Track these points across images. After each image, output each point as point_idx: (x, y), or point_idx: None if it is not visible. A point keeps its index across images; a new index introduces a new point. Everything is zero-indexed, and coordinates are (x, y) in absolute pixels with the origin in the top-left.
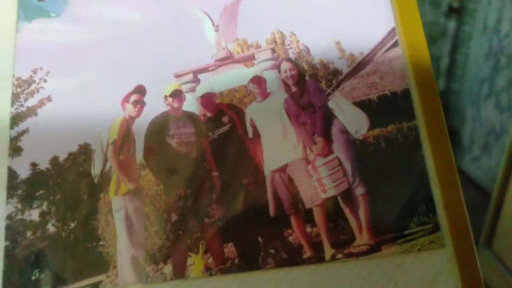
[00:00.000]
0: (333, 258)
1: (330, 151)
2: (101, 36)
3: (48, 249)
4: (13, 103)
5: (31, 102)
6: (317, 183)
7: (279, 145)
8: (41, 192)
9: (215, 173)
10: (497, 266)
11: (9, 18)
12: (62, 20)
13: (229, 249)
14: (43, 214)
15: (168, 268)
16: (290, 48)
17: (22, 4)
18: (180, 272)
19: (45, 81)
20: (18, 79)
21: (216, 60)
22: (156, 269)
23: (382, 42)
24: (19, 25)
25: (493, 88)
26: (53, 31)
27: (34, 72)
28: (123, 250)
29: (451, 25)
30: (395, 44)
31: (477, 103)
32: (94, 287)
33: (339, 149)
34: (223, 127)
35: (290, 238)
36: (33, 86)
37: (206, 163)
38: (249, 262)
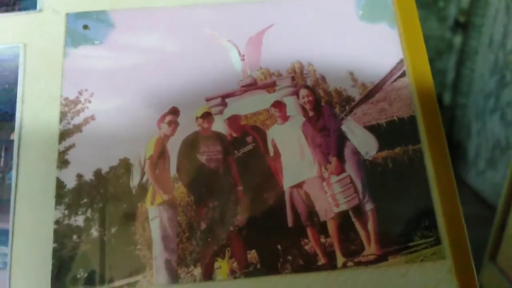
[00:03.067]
0: (344, 266)
1: (343, 170)
2: (139, 62)
3: (91, 251)
4: (61, 120)
5: (77, 120)
6: (331, 199)
7: (297, 163)
8: (85, 200)
9: (240, 187)
10: (502, 280)
11: (57, 44)
12: (105, 47)
13: (252, 255)
14: (87, 220)
15: (197, 271)
16: (308, 76)
17: (70, 32)
18: (208, 275)
19: (90, 101)
20: (65, 99)
21: (242, 86)
22: (187, 271)
23: (391, 73)
24: (66, 50)
25: (498, 102)
26: (96, 57)
27: (80, 93)
28: (158, 254)
29: (458, 39)
30: (403, 74)
31: (483, 117)
32: (132, 285)
33: (351, 168)
34: (247, 146)
35: (306, 247)
36: (79, 106)
37: (232, 178)
38: (269, 267)
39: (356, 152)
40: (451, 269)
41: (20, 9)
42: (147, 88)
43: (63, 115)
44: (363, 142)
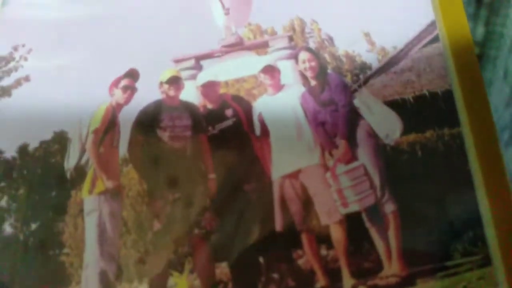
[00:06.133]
0: None
1: (354, 157)
2: (95, 14)
3: (0, 253)
4: None
5: (6, 82)
6: (337, 195)
7: (292, 146)
8: (2, 184)
9: (212, 175)
10: None
11: None
12: None
13: (222, 270)
14: (0, 211)
15: None
16: (311, 36)
17: None
18: None
19: (26, 59)
20: None
21: (223, 46)
22: None
23: (419, 36)
24: None
25: None
26: (43, 6)
27: (15, 49)
28: (91, 261)
29: None
30: (435, 39)
31: None
32: None
33: (365, 155)
34: (226, 121)
35: (300, 261)
36: (11, 64)
37: (202, 163)
38: None
39: (372, 135)
40: None
41: None
42: (100, 44)
43: None
44: (382, 122)
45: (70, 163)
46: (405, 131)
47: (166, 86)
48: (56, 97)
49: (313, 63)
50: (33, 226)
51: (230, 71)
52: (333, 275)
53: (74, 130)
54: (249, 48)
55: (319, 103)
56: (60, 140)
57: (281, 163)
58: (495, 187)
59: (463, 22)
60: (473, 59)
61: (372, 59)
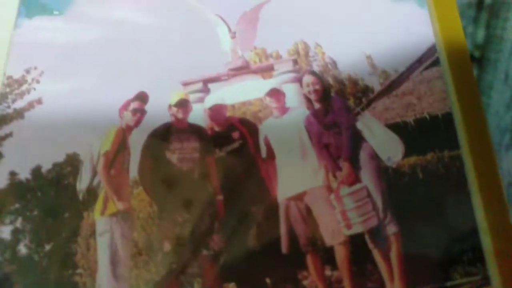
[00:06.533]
0: None
1: (357, 179)
2: (104, 37)
3: (16, 274)
4: None
5: (19, 104)
6: (341, 216)
7: (297, 168)
8: (16, 206)
9: (219, 197)
10: None
11: (9, 12)
12: (65, 18)
13: None
14: (15, 232)
15: None
16: (315, 60)
17: (24, 0)
18: None
19: (38, 81)
20: (8, 77)
21: (230, 69)
22: None
23: (420, 60)
24: (18, 21)
25: None
26: (53, 30)
27: (27, 71)
28: (103, 282)
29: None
30: (435, 63)
31: (498, 154)
32: None
33: (368, 177)
34: (233, 143)
35: (305, 282)
36: (24, 87)
37: (210, 184)
38: None
39: (375, 157)
40: None
41: None
42: (110, 67)
43: (2, 97)
44: (384, 144)
45: (82, 184)
46: (407, 154)
47: (174, 109)
48: (67, 119)
49: (317, 87)
50: (47, 247)
51: (236, 94)
52: None
53: (86, 152)
54: (255, 71)
55: (323, 125)
56: (72, 162)
57: (286, 185)
58: (493, 208)
59: (463, 46)
60: (472, 83)
61: (374, 82)
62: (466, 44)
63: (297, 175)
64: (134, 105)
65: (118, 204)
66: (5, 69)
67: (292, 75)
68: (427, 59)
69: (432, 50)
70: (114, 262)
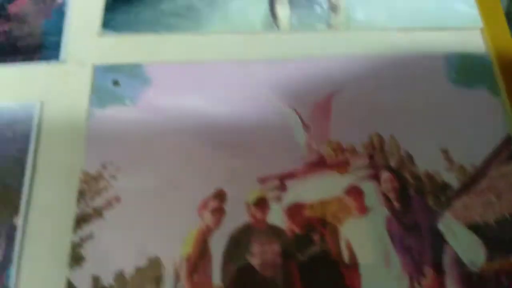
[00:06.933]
0: None
1: (442, 287)
2: (178, 128)
3: None
4: (78, 202)
5: (98, 202)
6: None
7: (381, 275)
8: None
9: None
10: None
11: (81, 103)
12: (137, 108)
13: None
14: None
15: None
16: (391, 154)
17: (96, 88)
18: None
19: (115, 178)
20: (85, 174)
21: (306, 164)
22: None
23: (495, 153)
24: (90, 111)
25: None
26: (126, 121)
27: (104, 166)
28: None
29: None
30: None
31: None
32: None
33: (453, 284)
34: (314, 247)
35: None
36: (101, 183)
37: None
38: None
39: (459, 262)
40: None
41: (40, 59)
42: (186, 162)
43: (81, 195)
44: (466, 247)
45: None
46: (489, 258)
47: (253, 209)
48: (146, 220)
49: (395, 184)
50: None
51: (314, 191)
52: None
53: (167, 256)
54: (331, 166)
55: (404, 227)
56: (154, 268)
57: None
58: None
59: None
60: None
61: (452, 179)
62: None
63: (381, 283)
64: (213, 204)
65: None
66: (82, 164)
67: (368, 171)
68: (503, 152)
69: (507, 141)
70: None
